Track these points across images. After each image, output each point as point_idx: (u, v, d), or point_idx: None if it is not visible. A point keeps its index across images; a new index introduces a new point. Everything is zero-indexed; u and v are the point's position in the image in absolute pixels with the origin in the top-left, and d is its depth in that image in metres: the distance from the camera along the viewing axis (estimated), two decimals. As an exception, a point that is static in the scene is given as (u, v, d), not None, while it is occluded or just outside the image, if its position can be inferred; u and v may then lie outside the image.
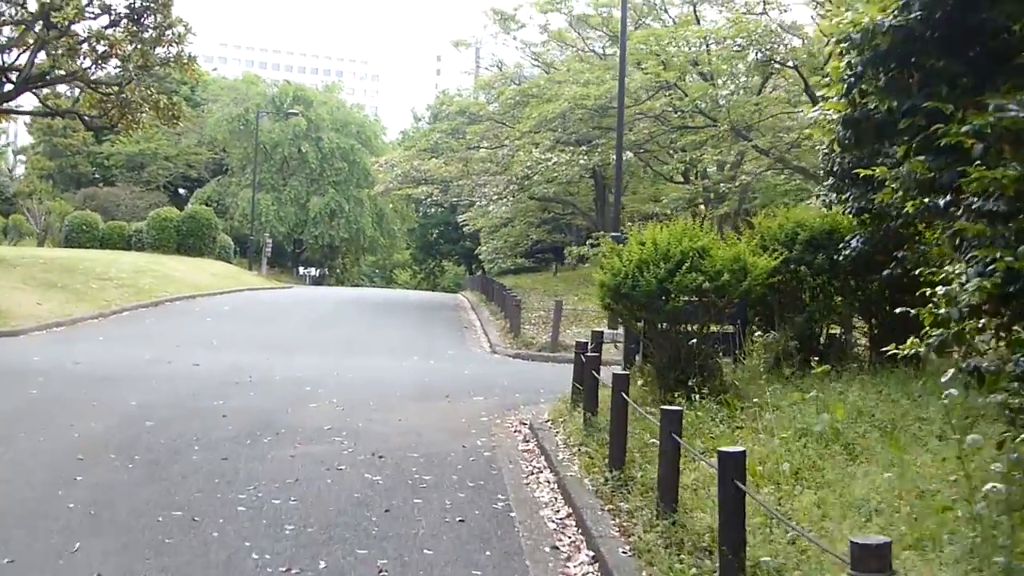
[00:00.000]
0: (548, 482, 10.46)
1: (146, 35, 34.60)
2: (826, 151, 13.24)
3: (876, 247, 12.79)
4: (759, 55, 28.38)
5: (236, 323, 28.24)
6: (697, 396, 11.73)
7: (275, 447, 11.49)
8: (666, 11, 37.49)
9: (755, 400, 11.07)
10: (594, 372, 12.08)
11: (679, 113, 32.27)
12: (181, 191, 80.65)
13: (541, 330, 26.21)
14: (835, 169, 12.97)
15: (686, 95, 30.92)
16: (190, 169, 77.95)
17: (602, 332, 15.48)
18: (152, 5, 34.21)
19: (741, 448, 6.68)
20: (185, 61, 35.89)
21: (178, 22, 35.32)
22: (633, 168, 42.88)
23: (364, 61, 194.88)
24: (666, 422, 7.84)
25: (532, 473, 10.95)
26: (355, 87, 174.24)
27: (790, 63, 29.00)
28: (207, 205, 68.47)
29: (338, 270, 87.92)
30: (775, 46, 28.00)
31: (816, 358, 11.70)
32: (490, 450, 12.01)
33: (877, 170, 10.11)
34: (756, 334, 13.58)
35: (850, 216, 13.01)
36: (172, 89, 79.16)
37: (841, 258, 13.08)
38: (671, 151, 39.19)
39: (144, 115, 35.70)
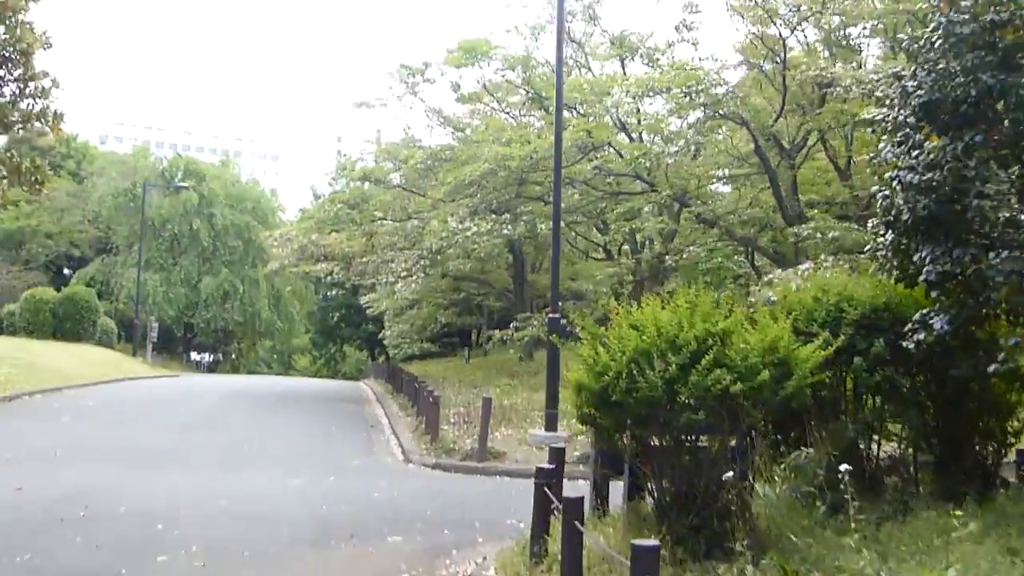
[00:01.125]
0: None
1: (3, 88, 30.22)
2: (884, 194, 9.57)
3: (961, 330, 9.06)
4: (705, 109, 24.92)
5: (96, 424, 23.56)
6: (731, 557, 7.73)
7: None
8: (589, 69, 34.10)
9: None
10: (575, 523, 7.93)
11: (611, 178, 28.70)
12: (65, 271, 75.29)
13: (463, 431, 21.88)
14: (903, 218, 9.23)
15: (621, 156, 27.36)
16: (73, 248, 72.91)
17: (563, 450, 11.25)
18: (9, 54, 29.80)
19: None
20: (51, 119, 31.48)
21: (42, 75, 31.00)
22: (541, 243, 39.27)
23: (263, 141, 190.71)
24: None
25: None
26: (254, 167, 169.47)
27: (738, 119, 25.65)
28: (90, 286, 64.01)
29: (233, 356, 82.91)
30: (723, 98, 24.58)
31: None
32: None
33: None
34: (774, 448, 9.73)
35: (919, 285, 9.32)
36: (57, 163, 74.79)
37: (913, 345, 9.23)
38: (601, 222, 35.64)
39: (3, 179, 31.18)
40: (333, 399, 37.48)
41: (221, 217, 71.73)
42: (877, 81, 21.38)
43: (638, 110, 31.04)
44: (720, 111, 25.00)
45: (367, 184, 34.54)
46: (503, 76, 33.35)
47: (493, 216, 27.37)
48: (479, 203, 27.81)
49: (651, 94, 25.62)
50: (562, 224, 27.62)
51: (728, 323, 8.72)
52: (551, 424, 19.78)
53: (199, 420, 25.65)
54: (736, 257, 41.22)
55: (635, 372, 8.34)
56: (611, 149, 28.44)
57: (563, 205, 29.35)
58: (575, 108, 32.09)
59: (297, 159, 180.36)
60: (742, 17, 26.56)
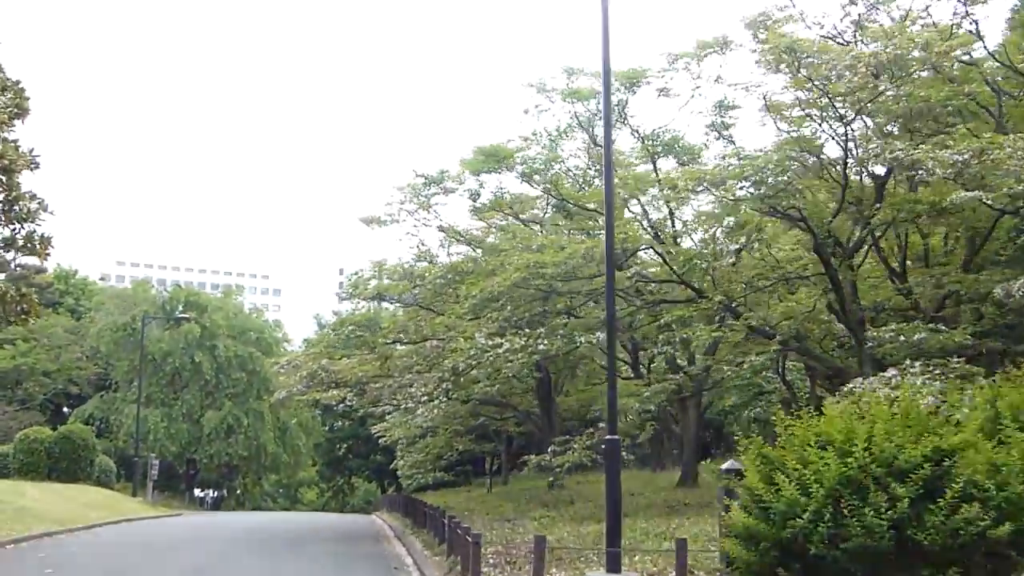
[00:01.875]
0: None
1: (-14, 211, 28.24)
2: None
3: None
4: (764, 203, 22.43)
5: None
6: None
7: None
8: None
9: None
10: None
11: (652, 286, 26.23)
12: (64, 409, 72.79)
13: (507, 575, 18.96)
14: None
15: (665, 261, 24.94)
16: (72, 385, 70.32)
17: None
18: (-9, 176, 27.81)
19: None
20: (38, 243, 29.40)
21: (28, 197, 28.95)
22: (572, 361, 36.68)
23: (265, 275, 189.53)
24: None
25: None
26: (256, 301, 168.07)
27: (796, 215, 23.20)
28: (89, 423, 61.92)
29: (238, 491, 79.84)
30: (781, 192, 22.17)
31: None
32: None
33: None
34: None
35: None
36: (55, 300, 72.69)
37: None
38: (630, 338, 33.02)
39: (-15, 308, 29.07)
40: (348, 537, 34.45)
41: (224, 349, 69.28)
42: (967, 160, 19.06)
43: (671, 212, 28.74)
44: (779, 207, 22.58)
45: (381, 304, 31.99)
46: (525, 181, 31.07)
47: (526, 331, 24.78)
48: (509, 317, 25.24)
49: (699, 188, 23.22)
50: (593, 339, 25.08)
51: (964, 437, 6.01)
52: (614, 564, 16.86)
53: (203, 574, 22.69)
54: (764, 373, 38.42)
55: (843, 511, 5.63)
56: (650, 254, 26.03)
57: (592, 319, 26.92)
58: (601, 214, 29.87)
59: (298, 292, 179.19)
60: (779, 117, 24.46)
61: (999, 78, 24.61)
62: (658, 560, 17.66)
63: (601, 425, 46.63)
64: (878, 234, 26.19)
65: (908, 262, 28.31)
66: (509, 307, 25.01)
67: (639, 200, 27.46)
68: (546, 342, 23.82)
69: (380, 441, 54.94)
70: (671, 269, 25.47)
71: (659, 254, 25.83)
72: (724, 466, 8.92)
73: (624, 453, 26.83)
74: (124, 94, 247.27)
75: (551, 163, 30.60)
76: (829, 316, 26.75)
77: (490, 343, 24.26)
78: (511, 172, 30.40)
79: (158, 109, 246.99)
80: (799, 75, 22.03)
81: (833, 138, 23.26)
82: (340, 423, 75.68)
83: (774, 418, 7.30)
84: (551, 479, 34.74)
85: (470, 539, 19.18)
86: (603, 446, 17.35)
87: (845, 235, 25.38)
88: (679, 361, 30.48)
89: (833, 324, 26.68)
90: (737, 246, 25.30)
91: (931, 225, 26.71)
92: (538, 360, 26.15)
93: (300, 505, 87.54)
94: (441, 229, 35.00)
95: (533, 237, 27.03)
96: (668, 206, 28.26)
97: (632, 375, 41.55)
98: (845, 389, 20.44)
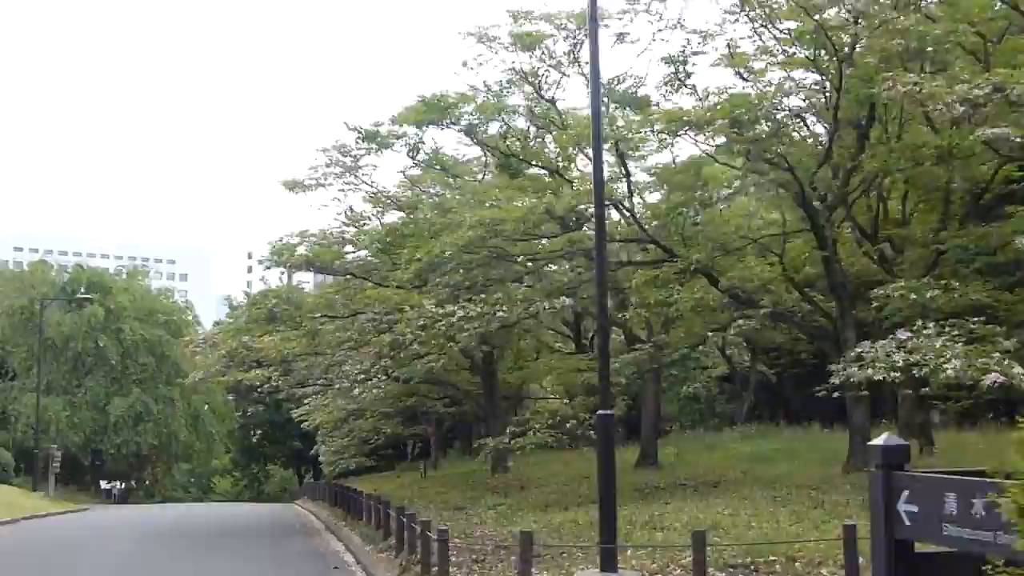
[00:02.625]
0: None
1: None
2: None
3: None
4: (749, 154, 19.87)
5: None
6: None
7: None
8: (563, 128, 29.15)
9: None
10: None
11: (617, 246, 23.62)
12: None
13: (482, 576, 16.19)
14: None
15: (634, 218, 22.31)
16: (-34, 376, 65.67)
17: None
18: None
19: None
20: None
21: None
22: (517, 333, 33.86)
23: (171, 260, 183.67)
24: None
25: None
26: (162, 287, 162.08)
27: (783, 165, 20.67)
28: (-17, 416, 57.31)
29: (147, 482, 75.68)
30: (772, 136, 19.60)
31: None
32: None
33: None
34: None
35: None
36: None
37: None
38: (573, 308, 30.31)
39: None
40: (275, 531, 31.43)
41: (130, 332, 65.50)
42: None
43: (624, 164, 26.03)
44: (768, 151, 20.02)
45: (309, 271, 28.81)
46: (469, 136, 28.05)
47: (482, 297, 21.94)
48: (460, 282, 22.31)
49: (683, 131, 20.58)
50: (558, 304, 22.35)
51: None
52: (609, 563, 14.24)
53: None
54: (701, 347, 35.64)
55: None
56: (621, 211, 23.40)
57: (555, 283, 24.24)
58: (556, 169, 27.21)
59: (206, 277, 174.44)
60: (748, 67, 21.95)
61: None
62: (656, 556, 15.06)
63: (539, 405, 44.21)
64: (856, 193, 23.87)
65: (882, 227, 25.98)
66: (461, 271, 22.12)
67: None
68: (504, 308, 21.01)
69: (302, 426, 51.97)
70: (639, 227, 22.83)
71: (627, 210, 23.15)
72: (880, 441, 6.20)
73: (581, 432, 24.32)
74: (18, 67, 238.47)
75: (498, 113, 27.64)
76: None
77: (441, 311, 21.40)
78: (455, 126, 27.39)
79: (52, 82, 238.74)
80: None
81: (824, 76, 20.76)
82: (255, 409, 72.16)
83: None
84: (494, 463, 31.97)
85: (432, 535, 16.40)
86: (597, 422, 14.62)
87: (827, 189, 23.01)
88: (636, 332, 27.92)
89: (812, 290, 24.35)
90: (716, 199, 22.74)
91: (913, 181, 24.44)
92: (487, 331, 23.24)
93: (213, 495, 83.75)
94: (373, 194, 31.96)
95: (488, 192, 24.13)
96: (622, 160, 25.48)
97: (575, 351, 39.09)
98: (851, 355, 18.05)
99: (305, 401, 46.68)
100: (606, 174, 25.14)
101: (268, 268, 27.75)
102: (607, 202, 22.97)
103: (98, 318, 64.36)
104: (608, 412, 14.60)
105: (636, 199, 26.76)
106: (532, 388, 46.87)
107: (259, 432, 74.79)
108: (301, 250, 27.86)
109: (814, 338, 26.34)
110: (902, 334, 17.66)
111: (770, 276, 23.29)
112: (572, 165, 29.20)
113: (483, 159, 32.97)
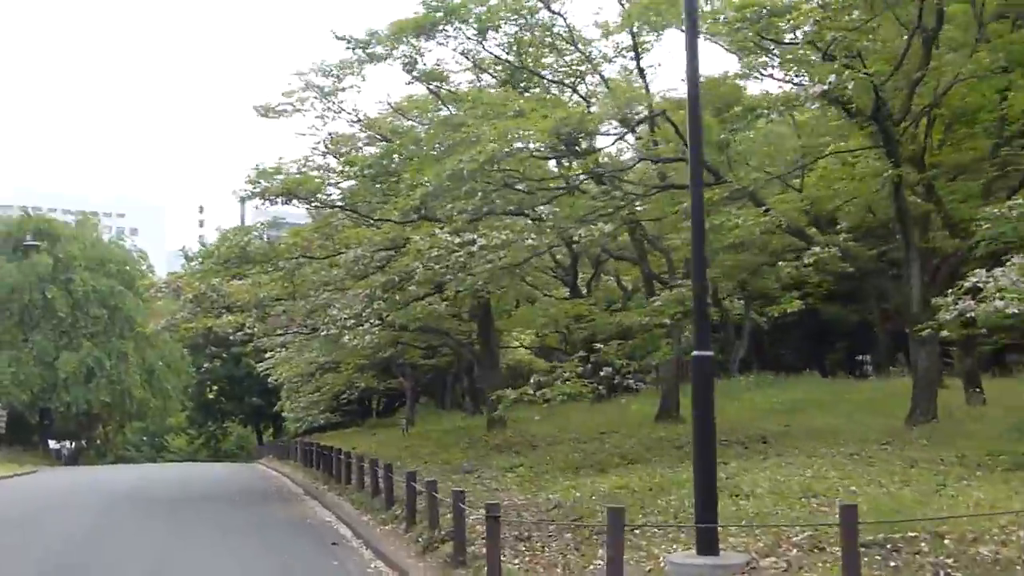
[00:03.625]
0: None
1: None
2: None
3: None
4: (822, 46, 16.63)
5: None
6: None
7: None
8: (573, 44, 25.91)
9: None
10: None
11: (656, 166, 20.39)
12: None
13: (533, 560, 12.94)
14: None
15: (678, 133, 19.09)
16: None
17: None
18: None
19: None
20: None
21: None
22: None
23: (120, 214, 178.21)
24: None
25: None
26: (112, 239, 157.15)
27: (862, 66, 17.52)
28: (-77, 372, 53.47)
29: (98, 441, 72.12)
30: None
31: None
32: None
33: None
34: None
35: None
36: None
37: None
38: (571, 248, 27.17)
39: None
40: (248, 497, 28.25)
41: (80, 283, 61.40)
42: None
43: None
44: (849, 51, 16.86)
45: (290, 202, 25.22)
46: (479, 43, 24.64)
47: (505, 223, 18.65)
48: (479, 207, 18.89)
49: (741, 27, 17.28)
50: (606, 229, 19.10)
51: None
52: (707, 545, 11.18)
53: (67, 563, 16.22)
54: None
55: None
56: (664, 123, 20.11)
57: (559, 214, 21.01)
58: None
59: (157, 231, 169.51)
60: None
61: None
62: (757, 533, 12.01)
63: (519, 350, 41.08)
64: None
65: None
66: (479, 195, 18.72)
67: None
68: (534, 237, 17.70)
69: (269, 381, 48.72)
70: (684, 142, 19.64)
71: (669, 121, 19.85)
72: None
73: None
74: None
75: (513, 15, 24.19)
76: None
77: (456, 240, 18.11)
78: (457, 36, 23.98)
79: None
80: None
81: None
82: (212, 363, 68.82)
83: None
84: (493, 415, 28.83)
85: (465, 508, 13.23)
86: (695, 365, 11.48)
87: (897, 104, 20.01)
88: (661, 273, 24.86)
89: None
90: (764, 115, 19.59)
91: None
92: (513, 263, 20.01)
93: (167, 453, 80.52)
94: (357, 120, 28.59)
95: (508, 103, 20.70)
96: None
97: (570, 295, 35.99)
98: (966, 285, 15.00)
99: (267, 355, 43.58)
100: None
101: (244, 200, 24.24)
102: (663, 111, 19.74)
103: (46, 268, 60.46)
104: (706, 353, 11.50)
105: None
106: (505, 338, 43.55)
107: (216, 388, 72.27)
108: (279, 179, 24.35)
109: (864, 275, 23.39)
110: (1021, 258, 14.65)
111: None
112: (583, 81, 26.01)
113: (477, 85, 29.54)
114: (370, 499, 21.53)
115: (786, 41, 19.27)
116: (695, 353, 11.49)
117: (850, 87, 16.96)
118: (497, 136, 17.71)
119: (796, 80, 20.89)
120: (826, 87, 17.21)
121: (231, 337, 30.70)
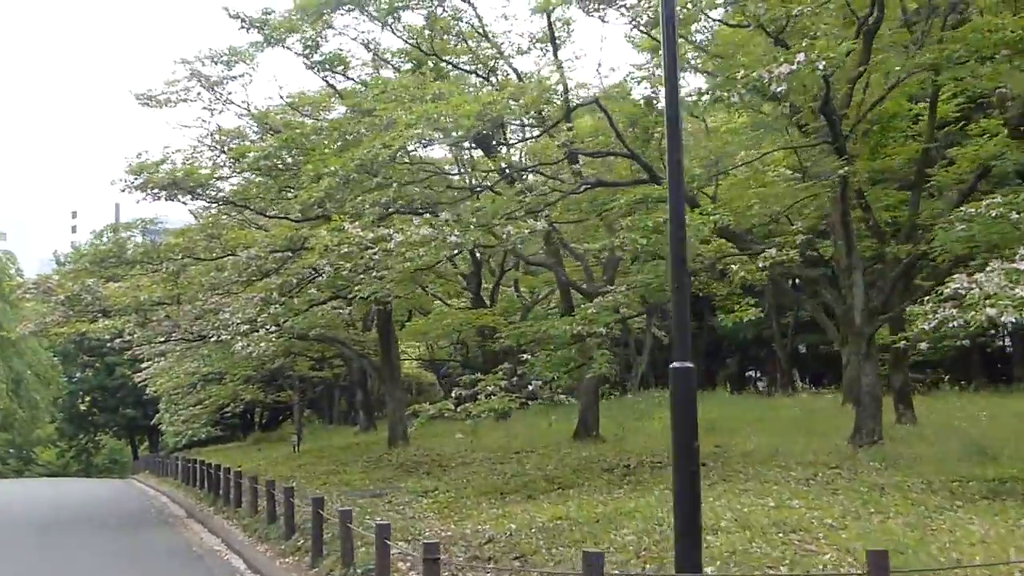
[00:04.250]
0: None
1: None
2: None
3: None
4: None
5: None
6: None
7: None
8: (484, 35, 24.19)
9: None
10: None
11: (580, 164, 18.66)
12: None
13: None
14: None
15: (611, 123, 17.36)
16: None
17: None
18: None
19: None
20: None
21: None
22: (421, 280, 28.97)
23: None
24: None
25: None
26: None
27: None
28: None
29: (-42, 454, 68.15)
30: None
31: None
32: None
33: None
34: None
35: None
36: None
37: None
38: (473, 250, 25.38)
39: None
40: (125, 520, 25.66)
41: (-59, 286, 57.69)
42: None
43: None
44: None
45: (175, 198, 22.81)
46: (387, 27, 22.64)
47: (426, 218, 16.62)
48: (392, 199, 16.78)
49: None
50: (537, 226, 17.25)
51: None
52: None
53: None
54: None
55: None
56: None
57: (485, 209, 19.11)
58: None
59: (28, 237, 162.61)
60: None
61: None
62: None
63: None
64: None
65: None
66: (395, 185, 16.64)
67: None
68: (458, 233, 15.73)
69: (146, 392, 45.86)
70: (617, 136, 17.91)
71: (603, 111, 18.11)
72: None
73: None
74: None
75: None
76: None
77: (370, 235, 16.06)
78: (366, 9, 21.93)
79: None
80: None
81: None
82: (84, 372, 65.33)
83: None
84: (399, 432, 26.81)
85: (391, 543, 11.21)
86: (674, 377, 9.67)
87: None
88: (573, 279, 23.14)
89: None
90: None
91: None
92: (436, 260, 18.05)
93: (35, 467, 76.31)
94: (248, 113, 26.38)
95: (426, 85, 18.65)
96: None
97: (472, 304, 34.16)
98: (947, 291, 13.49)
99: (144, 365, 40.92)
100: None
101: (125, 191, 21.71)
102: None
103: (-98, 269, 56.69)
104: (686, 364, 9.70)
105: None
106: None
107: (89, 399, 68.39)
108: (164, 169, 21.96)
109: (808, 284, 21.99)
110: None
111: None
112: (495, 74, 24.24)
113: (377, 76, 27.54)
114: (265, 526, 19.29)
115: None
116: (675, 365, 9.65)
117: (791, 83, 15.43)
118: (416, 120, 15.75)
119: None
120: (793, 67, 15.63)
121: (107, 345, 28.20)
